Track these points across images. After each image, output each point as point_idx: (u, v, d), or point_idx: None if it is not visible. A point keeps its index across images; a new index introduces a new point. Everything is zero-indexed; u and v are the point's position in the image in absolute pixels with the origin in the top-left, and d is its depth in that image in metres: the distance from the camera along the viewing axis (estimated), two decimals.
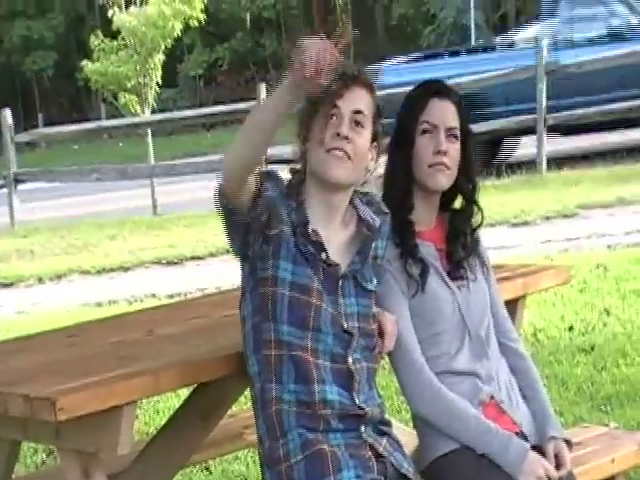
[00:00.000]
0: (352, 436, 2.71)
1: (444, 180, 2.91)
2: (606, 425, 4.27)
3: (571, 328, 6.05)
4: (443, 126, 2.90)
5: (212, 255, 10.17)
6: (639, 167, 12.48)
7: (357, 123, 2.73)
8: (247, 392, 3.02)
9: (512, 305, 3.38)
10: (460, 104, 2.96)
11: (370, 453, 2.72)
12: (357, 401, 2.72)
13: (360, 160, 2.74)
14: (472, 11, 29.92)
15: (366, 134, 2.75)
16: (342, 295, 2.74)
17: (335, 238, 2.77)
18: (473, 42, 29.51)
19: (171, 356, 2.92)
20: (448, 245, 2.98)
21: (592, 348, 5.64)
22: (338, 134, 2.69)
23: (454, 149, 2.91)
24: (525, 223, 10.14)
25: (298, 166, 2.81)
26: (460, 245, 2.98)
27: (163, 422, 4.61)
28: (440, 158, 2.88)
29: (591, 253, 8.26)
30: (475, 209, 3.01)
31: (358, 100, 2.74)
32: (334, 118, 2.71)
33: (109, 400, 2.61)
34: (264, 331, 2.70)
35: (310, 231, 2.70)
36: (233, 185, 2.60)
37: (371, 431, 2.75)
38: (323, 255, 2.72)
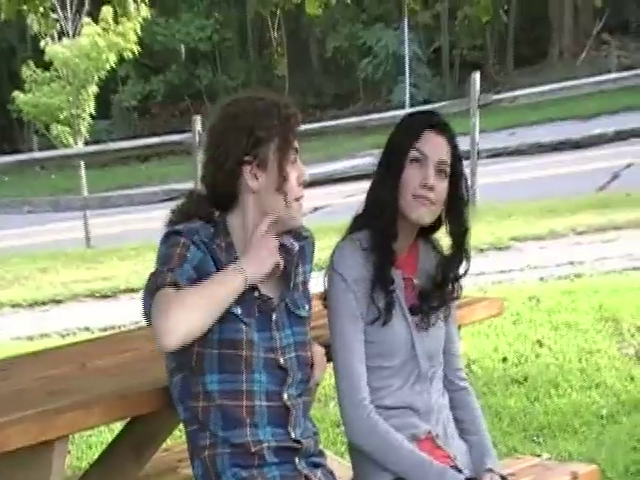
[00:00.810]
0: (287, 468, 2.70)
1: (427, 215, 2.86)
2: (539, 456, 4.30)
3: (504, 359, 6.10)
4: (434, 160, 2.84)
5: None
6: (569, 200, 12.66)
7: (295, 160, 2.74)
8: (181, 426, 3.00)
9: None
10: (454, 142, 2.90)
11: None
12: (293, 435, 2.71)
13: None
14: (406, 43, 30.26)
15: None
16: (276, 329, 2.72)
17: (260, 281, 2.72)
18: (407, 73, 29.86)
19: (103, 389, 2.89)
20: (423, 285, 2.93)
21: (525, 379, 5.69)
22: (303, 181, 2.72)
23: (442, 186, 2.85)
24: None
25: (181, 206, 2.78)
26: (438, 290, 2.93)
27: (96, 456, 4.57)
28: (426, 192, 2.83)
29: (524, 285, 8.35)
30: (462, 256, 2.99)
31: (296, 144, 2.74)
32: (294, 163, 2.71)
33: (40, 435, 2.58)
34: (192, 384, 2.68)
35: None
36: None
37: (305, 464, 2.74)
38: (256, 293, 2.70)
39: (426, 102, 27.64)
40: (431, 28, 35.50)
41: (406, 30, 30.21)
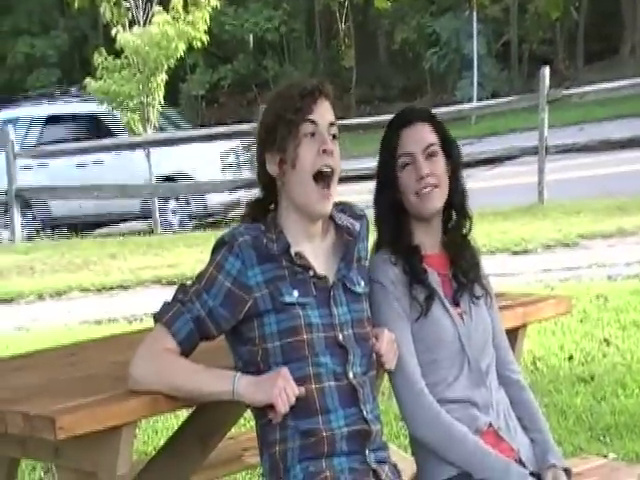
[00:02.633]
0: (357, 460, 2.69)
1: (435, 201, 2.91)
2: (605, 456, 4.25)
3: (571, 358, 6.04)
4: (419, 150, 2.90)
5: None
6: (639, 197, 12.49)
7: (334, 136, 2.74)
8: (246, 414, 3.01)
9: (512, 334, 3.36)
10: (434, 120, 2.96)
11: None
12: (364, 413, 2.71)
13: None
14: (475, 35, 30.02)
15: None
16: (335, 305, 2.74)
17: (318, 251, 2.77)
18: (475, 66, 29.60)
19: None
20: (451, 266, 2.97)
21: (592, 378, 5.63)
22: (324, 150, 2.69)
23: (437, 166, 2.92)
24: (526, 251, 10.14)
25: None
26: (462, 264, 2.97)
27: (162, 442, 4.61)
28: (424, 182, 2.89)
29: (591, 283, 8.25)
30: (465, 218, 3.00)
31: (328, 113, 2.74)
32: (313, 135, 2.70)
33: (108, 420, 2.60)
34: None
35: (294, 255, 2.70)
36: None
37: (374, 457, 2.73)
38: (311, 272, 2.72)
39: (493, 96, 27.40)
40: (500, 21, 35.18)
41: (475, 22, 29.98)
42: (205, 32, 17.07)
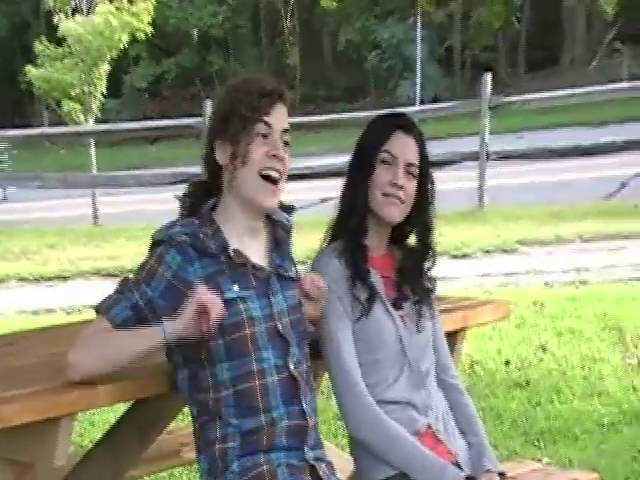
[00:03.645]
0: (295, 456, 2.69)
1: (396, 213, 2.93)
2: (539, 460, 4.30)
3: (507, 362, 6.10)
4: (403, 160, 2.91)
5: None
6: (577, 206, 12.66)
7: (286, 143, 2.74)
8: (185, 409, 2.99)
9: (452, 337, 3.38)
10: (422, 142, 2.97)
11: (309, 478, 2.69)
12: (304, 405, 2.70)
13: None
14: (418, 39, 30.21)
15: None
16: (272, 294, 2.74)
17: (255, 244, 2.77)
18: (419, 70, 29.80)
19: None
20: (398, 280, 2.98)
21: (527, 383, 5.68)
22: (274, 155, 2.69)
23: (410, 186, 2.93)
24: (465, 256, 10.23)
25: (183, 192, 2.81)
26: (409, 283, 2.98)
27: (98, 435, 4.56)
28: (395, 191, 2.90)
29: (529, 289, 8.35)
30: (428, 250, 3.01)
31: (284, 118, 2.74)
32: (265, 137, 2.69)
33: (46, 412, 2.56)
34: (200, 379, 2.68)
35: (232, 254, 2.70)
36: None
37: (312, 453, 2.73)
38: (249, 267, 2.72)
39: (435, 100, 27.63)
40: (444, 27, 35.45)
41: (419, 27, 30.18)
42: (149, 24, 16.98)
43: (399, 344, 2.91)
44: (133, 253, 10.96)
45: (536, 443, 4.85)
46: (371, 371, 2.89)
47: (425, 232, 3.01)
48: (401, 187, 2.90)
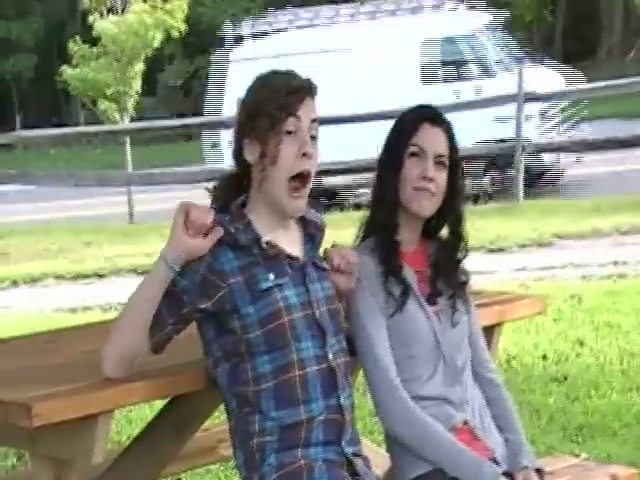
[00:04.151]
0: (332, 451, 2.70)
1: (428, 206, 2.91)
2: (577, 456, 4.27)
3: (544, 357, 6.06)
4: (432, 152, 2.89)
5: None
6: (614, 199, 12.56)
7: (313, 137, 2.73)
8: (222, 406, 3.00)
9: (488, 332, 3.35)
10: (451, 132, 2.95)
11: (346, 473, 2.70)
12: (341, 400, 2.71)
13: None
14: None
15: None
16: (310, 282, 2.75)
17: (287, 237, 2.77)
18: None
19: (146, 367, 2.88)
20: (431, 274, 2.97)
21: (565, 378, 5.65)
22: (304, 154, 2.68)
23: (441, 177, 2.91)
24: (501, 250, 10.18)
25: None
26: (443, 277, 2.96)
27: (135, 432, 4.59)
28: (425, 184, 2.88)
29: (566, 283, 8.29)
30: (459, 241, 3.00)
31: (312, 112, 2.73)
32: (293, 134, 2.68)
33: (84, 408, 2.58)
34: (241, 372, 2.69)
35: (265, 246, 2.70)
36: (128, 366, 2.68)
37: (350, 448, 2.73)
38: (283, 256, 2.72)
39: None
40: None
41: None
42: (183, 21, 17.04)
43: (434, 340, 2.90)
44: None
45: (574, 438, 4.82)
46: (406, 367, 2.88)
47: (456, 223, 2.99)
48: (431, 179, 2.88)
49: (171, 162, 22.73)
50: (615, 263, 9.14)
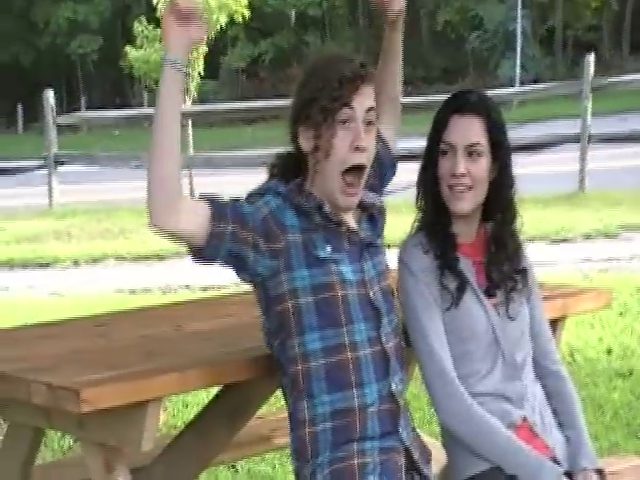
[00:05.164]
0: (391, 439, 2.63)
1: (464, 203, 2.78)
2: None
3: (609, 351, 5.91)
4: (462, 145, 2.75)
5: None
6: None
7: (370, 122, 2.63)
8: (277, 393, 2.93)
9: (551, 326, 3.24)
10: (489, 117, 2.78)
11: (403, 461, 2.63)
12: (393, 386, 2.63)
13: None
14: (519, 18, 29.75)
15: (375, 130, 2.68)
16: (364, 261, 2.68)
17: (346, 216, 2.69)
18: (519, 50, 29.35)
19: (198, 354, 2.83)
20: (487, 257, 2.85)
21: (630, 373, 5.50)
22: (357, 147, 2.59)
23: (477, 167, 2.76)
24: (565, 240, 10.00)
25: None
26: (498, 266, 2.83)
27: (191, 416, 4.54)
28: (457, 180, 2.76)
29: (632, 276, 8.09)
30: (512, 218, 2.86)
31: (368, 99, 2.63)
32: (348, 122, 2.59)
33: (134, 395, 2.53)
34: (288, 348, 2.61)
35: (328, 210, 2.62)
36: (172, 216, 2.46)
37: (406, 435, 2.66)
38: (344, 227, 2.65)
39: (536, 81, 27.16)
40: (545, 6, 34.84)
41: (519, 6, 29.71)
42: (246, 6, 16.97)
43: (492, 334, 2.79)
44: None
45: (639, 436, 4.68)
46: (462, 363, 2.77)
47: (505, 211, 2.84)
48: (463, 174, 2.74)
49: (232, 145, 22.77)
50: None
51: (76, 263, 10.48)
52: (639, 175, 14.00)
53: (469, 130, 2.77)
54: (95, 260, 10.52)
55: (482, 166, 2.77)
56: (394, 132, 3.03)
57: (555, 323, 3.36)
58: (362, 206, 2.73)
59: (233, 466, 4.44)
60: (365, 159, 2.62)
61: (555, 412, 2.87)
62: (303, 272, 2.57)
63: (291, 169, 2.69)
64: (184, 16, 2.44)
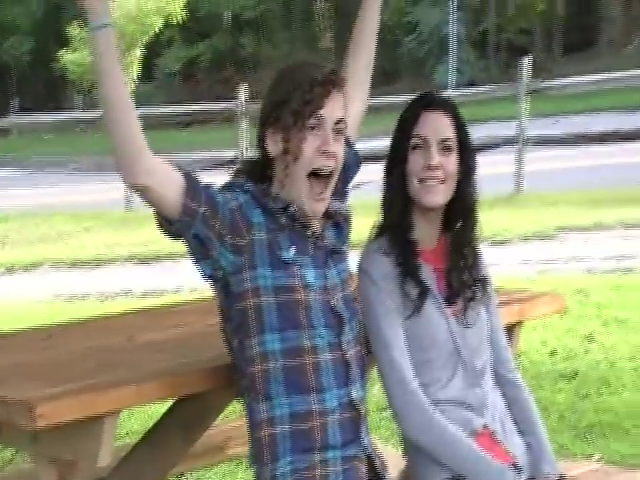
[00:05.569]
0: (352, 447, 2.62)
1: (437, 196, 2.77)
2: (590, 456, 4.18)
3: (553, 353, 5.95)
4: (435, 139, 2.76)
5: (186, 255, 10.03)
6: (616, 191, 12.46)
7: (339, 132, 2.62)
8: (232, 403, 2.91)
9: (507, 331, 3.25)
10: (456, 114, 2.81)
11: (365, 469, 2.63)
12: (353, 393, 2.62)
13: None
14: (452, 22, 29.98)
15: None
16: (328, 267, 2.66)
17: (312, 221, 2.68)
18: (452, 54, 29.57)
19: (153, 365, 2.80)
20: (450, 272, 2.84)
21: (575, 375, 5.53)
22: (325, 152, 2.58)
23: (449, 162, 2.77)
24: (503, 242, 10.07)
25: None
26: (458, 273, 2.83)
27: (135, 426, 4.49)
28: (432, 173, 2.75)
29: (571, 277, 8.17)
30: (471, 231, 2.87)
31: (338, 107, 2.62)
32: (317, 129, 2.58)
33: (91, 409, 2.48)
34: (247, 348, 2.58)
35: (294, 210, 2.60)
36: (142, 176, 2.45)
37: (367, 441, 2.65)
38: (310, 231, 2.64)
39: (471, 84, 27.37)
40: (478, 9, 35.15)
41: (453, 9, 29.94)
42: (182, 8, 16.91)
43: (452, 342, 2.79)
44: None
45: (586, 437, 4.70)
46: (423, 371, 2.77)
47: (467, 212, 2.84)
48: (437, 167, 2.74)
49: (168, 149, 22.59)
50: (619, 257, 9.01)
51: (12, 269, 10.32)
52: (575, 177, 14.19)
53: (441, 125, 2.78)
54: (33, 265, 10.37)
55: (453, 160, 2.78)
56: (360, 107, 3.00)
57: (512, 328, 3.38)
58: (327, 213, 2.71)
59: (182, 474, 4.39)
60: (333, 164, 2.61)
61: (514, 420, 2.88)
62: (266, 272, 2.55)
63: (257, 175, 2.67)
64: None
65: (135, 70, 16.84)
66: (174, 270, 9.43)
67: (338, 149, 2.61)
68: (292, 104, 2.55)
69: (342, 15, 38.19)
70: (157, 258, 10.05)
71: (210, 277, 2.58)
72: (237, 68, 36.55)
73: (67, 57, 17.16)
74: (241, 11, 37.37)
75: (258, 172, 2.67)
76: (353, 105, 2.87)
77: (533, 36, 36.14)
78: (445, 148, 2.77)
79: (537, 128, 14.83)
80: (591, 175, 14.18)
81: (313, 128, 2.57)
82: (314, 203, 2.62)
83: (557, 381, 5.46)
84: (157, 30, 17.17)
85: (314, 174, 2.59)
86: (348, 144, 2.81)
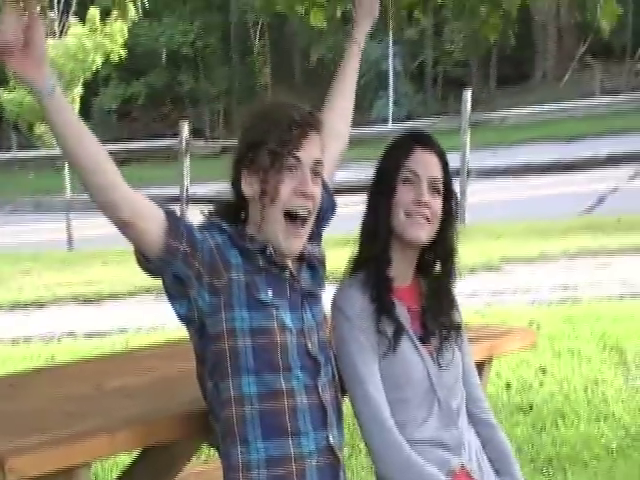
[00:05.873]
0: None
1: (422, 233, 2.76)
2: None
3: (508, 386, 5.96)
4: (426, 177, 2.76)
5: (131, 294, 9.94)
6: (558, 222, 12.61)
7: (317, 173, 2.61)
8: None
9: (478, 367, 3.25)
10: (444, 157, 2.83)
11: None
12: (331, 439, 2.59)
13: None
14: (391, 58, 30.22)
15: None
16: (304, 310, 2.63)
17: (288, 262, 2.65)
18: (391, 88, 29.80)
19: (126, 413, 2.74)
20: (425, 312, 2.83)
21: (530, 407, 5.54)
22: (303, 193, 2.56)
23: (436, 203, 2.77)
24: None
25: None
26: (437, 316, 2.83)
27: (99, 470, 4.39)
28: (421, 209, 2.74)
29: (520, 309, 8.22)
30: (451, 277, 2.87)
31: (316, 149, 2.61)
32: (294, 170, 2.56)
33: (63, 461, 2.42)
34: (222, 391, 2.53)
35: (269, 253, 2.57)
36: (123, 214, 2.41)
37: None
38: (287, 273, 2.61)
39: (408, 117, 27.59)
40: (415, 43, 35.47)
41: (390, 43, 30.17)
42: (122, 45, 16.85)
43: (428, 381, 2.77)
44: (111, 277, 10.78)
45: (544, 470, 4.71)
46: (399, 410, 2.74)
47: (448, 256, 2.86)
48: (426, 204, 2.74)
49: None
50: (565, 287, 9.12)
51: None
52: (516, 208, 14.34)
53: (432, 164, 2.79)
54: None
55: (439, 204, 2.78)
56: (336, 154, 3.00)
57: (481, 365, 3.37)
58: (302, 256, 2.69)
59: None
60: (311, 205, 2.58)
61: (489, 459, 2.87)
62: (243, 313, 2.51)
63: (232, 216, 2.63)
64: (5, 49, 2.27)
65: (75, 108, 16.68)
66: (118, 310, 9.36)
67: (316, 190, 2.59)
68: (269, 145, 2.52)
69: (279, 51, 38.38)
70: (100, 298, 9.94)
71: (184, 318, 2.54)
72: (175, 105, 36.46)
73: (4, 97, 16.97)
74: (179, 47, 37.32)
75: (232, 213, 2.64)
76: (329, 150, 2.86)
77: (470, 68, 36.56)
78: (434, 189, 2.77)
79: (477, 160, 14.98)
80: (532, 206, 14.36)
81: (291, 169, 2.55)
82: (291, 240, 2.58)
83: (514, 414, 5.46)
84: (96, 68, 17.07)
85: (290, 215, 2.56)
86: (324, 187, 2.79)
